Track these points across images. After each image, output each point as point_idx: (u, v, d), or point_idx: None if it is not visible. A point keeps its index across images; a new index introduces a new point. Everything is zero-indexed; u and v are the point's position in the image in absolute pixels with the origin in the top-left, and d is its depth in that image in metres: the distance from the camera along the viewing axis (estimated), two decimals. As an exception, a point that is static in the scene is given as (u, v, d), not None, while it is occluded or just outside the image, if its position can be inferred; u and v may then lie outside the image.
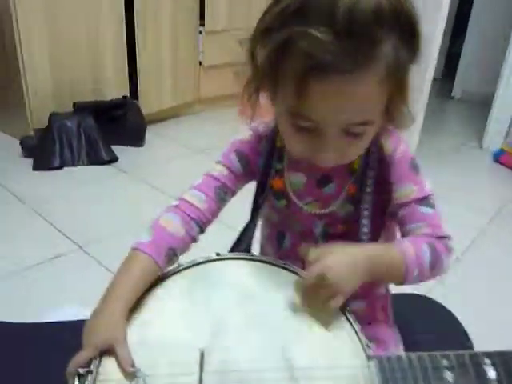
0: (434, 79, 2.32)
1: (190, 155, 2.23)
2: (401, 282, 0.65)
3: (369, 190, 0.68)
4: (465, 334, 0.90)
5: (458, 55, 3.79)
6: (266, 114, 0.68)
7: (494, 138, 2.58)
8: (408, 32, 0.53)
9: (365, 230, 0.68)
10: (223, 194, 0.73)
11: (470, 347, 0.87)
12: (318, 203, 0.71)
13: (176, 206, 0.71)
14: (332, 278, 0.57)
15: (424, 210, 0.67)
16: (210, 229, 0.75)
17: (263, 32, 0.56)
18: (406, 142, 0.69)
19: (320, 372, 0.56)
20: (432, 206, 0.68)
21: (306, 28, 0.50)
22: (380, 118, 0.59)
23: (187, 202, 0.71)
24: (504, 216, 1.87)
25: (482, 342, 1.05)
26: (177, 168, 2.08)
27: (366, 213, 0.68)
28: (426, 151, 2.46)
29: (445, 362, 0.58)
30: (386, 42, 0.51)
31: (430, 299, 1.08)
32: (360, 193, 0.68)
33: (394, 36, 0.52)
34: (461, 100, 3.76)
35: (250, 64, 0.60)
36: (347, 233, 0.70)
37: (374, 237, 0.69)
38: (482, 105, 2.85)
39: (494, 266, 1.51)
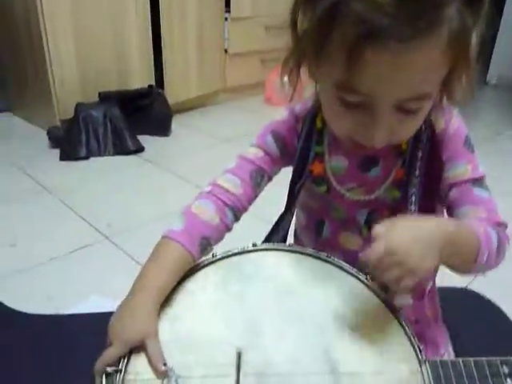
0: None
1: (216, 145, 2.19)
2: (470, 267, 0.57)
3: (417, 173, 0.61)
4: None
5: (493, 40, 3.64)
6: (302, 93, 0.62)
7: (533, 125, 2.46)
8: None
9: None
10: (259, 178, 0.68)
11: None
12: (362, 189, 0.65)
13: (209, 192, 0.66)
14: (401, 255, 0.47)
15: (479, 192, 0.61)
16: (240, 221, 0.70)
17: None
18: (459, 117, 0.63)
19: (368, 377, 0.52)
20: (487, 190, 0.62)
21: None
22: (437, 91, 0.52)
23: (221, 187, 0.66)
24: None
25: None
26: (203, 158, 2.05)
27: (413, 198, 0.62)
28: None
29: (505, 369, 0.52)
30: (451, 4, 0.45)
31: (474, 293, 1.01)
32: (409, 176, 0.62)
33: None
34: (496, 86, 3.62)
35: (291, 33, 0.54)
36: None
37: None
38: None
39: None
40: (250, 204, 0.69)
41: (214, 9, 2.55)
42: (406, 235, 0.49)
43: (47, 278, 1.22)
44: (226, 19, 2.61)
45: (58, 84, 2.08)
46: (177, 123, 2.35)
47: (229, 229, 0.67)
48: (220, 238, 0.66)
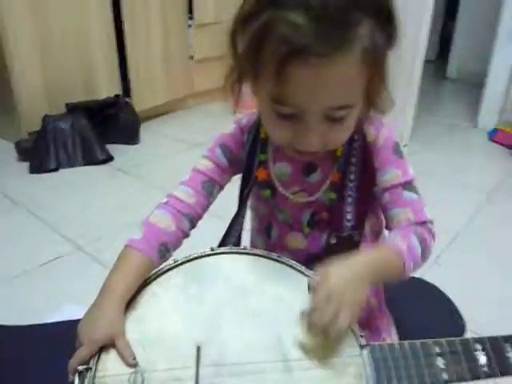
0: (429, 61, 2.33)
1: (186, 150, 2.23)
2: (400, 278, 0.65)
3: (352, 177, 0.68)
4: (458, 313, 0.90)
5: (452, 36, 3.78)
6: (251, 105, 0.68)
7: (487, 117, 2.58)
8: (384, 16, 0.54)
9: (348, 216, 0.69)
10: (211, 187, 0.74)
11: (463, 327, 0.88)
12: (305, 192, 0.71)
13: (166, 203, 0.72)
14: (337, 296, 0.55)
15: (408, 194, 0.68)
16: (203, 221, 0.76)
17: (242, 20, 0.57)
18: (389, 128, 0.70)
19: (314, 361, 0.58)
20: (416, 191, 0.69)
21: (283, 13, 0.51)
22: (360, 101, 0.59)
23: (176, 197, 0.72)
24: (500, 194, 1.87)
25: (477, 321, 1.07)
26: (173, 164, 2.08)
27: (349, 199, 0.68)
28: (422, 132, 2.46)
29: (437, 349, 0.59)
30: (362, 24, 0.52)
31: (422, 280, 1.09)
32: (343, 180, 0.69)
33: (370, 20, 0.52)
34: (456, 80, 3.75)
35: (231, 53, 0.61)
36: (331, 220, 0.71)
37: (359, 223, 0.70)
38: (477, 84, 2.84)
39: (491, 244, 1.51)
40: (204, 211, 0.75)
41: (178, 16, 2.59)
42: (338, 280, 0.56)
43: (21, 290, 1.25)
44: (190, 26, 2.65)
45: (24, 97, 2.09)
46: (145, 130, 2.39)
47: (186, 235, 0.73)
48: (178, 244, 0.72)
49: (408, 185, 0.68)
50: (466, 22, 3.63)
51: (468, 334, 0.90)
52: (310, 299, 0.58)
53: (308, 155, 0.63)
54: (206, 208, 0.75)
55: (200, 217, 0.75)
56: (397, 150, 0.69)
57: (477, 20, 3.48)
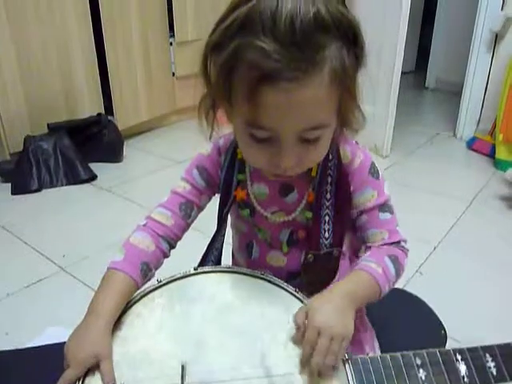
0: (408, 72, 2.37)
1: (170, 167, 2.24)
2: (378, 299, 0.67)
3: (328, 196, 0.69)
4: (439, 323, 0.92)
5: (430, 47, 3.86)
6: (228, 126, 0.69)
7: (466, 126, 2.63)
8: (350, 39, 0.55)
9: (326, 235, 0.70)
10: (189, 210, 0.75)
11: (444, 336, 0.89)
12: (283, 212, 0.72)
13: (144, 225, 0.73)
14: (327, 330, 0.58)
15: (383, 215, 0.70)
16: (188, 238, 0.77)
17: (213, 48, 0.58)
18: (363, 150, 0.71)
19: (297, 376, 0.58)
20: (390, 211, 0.71)
21: (251, 39, 0.52)
22: (334, 121, 0.60)
23: (155, 220, 0.73)
24: (480, 202, 1.91)
25: (458, 331, 1.09)
26: (157, 180, 2.08)
27: (326, 218, 0.70)
28: (402, 142, 2.51)
29: (418, 361, 0.60)
30: (329, 47, 0.53)
31: (403, 291, 1.10)
32: (319, 200, 0.70)
33: (337, 42, 0.54)
34: (435, 90, 3.83)
35: (203, 81, 0.62)
36: (309, 239, 0.72)
37: (337, 241, 0.71)
38: (456, 94, 2.90)
39: (472, 253, 1.54)
40: (183, 233, 0.76)
41: (159, 34, 2.61)
42: (323, 317, 0.59)
43: (4, 315, 1.24)
44: (171, 44, 2.68)
45: (5, 117, 2.07)
46: (129, 148, 2.39)
47: (166, 255, 0.74)
48: (159, 264, 0.73)
49: (384, 205, 0.70)
50: (442, 32, 3.71)
51: (449, 344, 0.91)
52: (296, 337, 0.61)
53: (284, 177, 0.64)
54: (184, 230, 0.76)
55: (179, 238, 0.75)
56: (372, 171, 0.70)
57: (453, 30, 3.56)
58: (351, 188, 0.70)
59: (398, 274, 0.69)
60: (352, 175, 0.69)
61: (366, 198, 0.70)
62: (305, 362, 0.59)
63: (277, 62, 0.51)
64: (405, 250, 0.71)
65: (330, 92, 0.55)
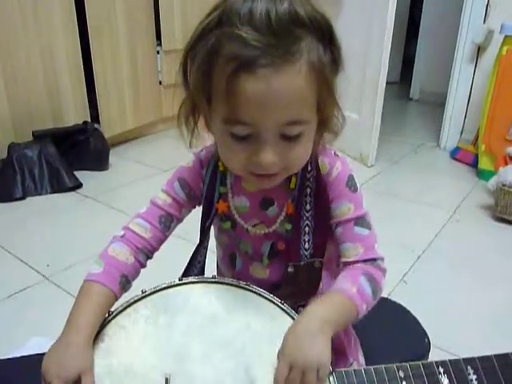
0: (393, 83, 2.40)
1: (156, 175, 2.23)
2: (356, 320, 0.65)
3: (308, 207, 0.69)
4: (423, 332, 0.93)
5: (414, 59, 3.93)
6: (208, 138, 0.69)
7: (450, 137, 2.67)
8: (325, 37, 0.57)
9: (306, 246, 0.70)
10: (168, 222, 0.74)
11: (428, 345, 0.90)
12: (264, 224, 0.72)
13: (122, 236, 0.72)
14: (302, 360, 0.56)
15: (360, 230, 0.68)
16: (173, 246, 0.76)
17: (191, 48, 0.58)
18: (343, 161, 0.70)
19: None
20: (368, 227, 0.69)
21: (230, 30, 0.53)
22: (314, 119, 0.60)
23: (133, 231, 0.73)
24: (464, 211, 1.93)
25: (442, 339, 1.10)
26: (142, 189, 2.07)
27: (306, 229, 0.70)
28: (387, 153, 2.54)
29: (401, 373, 0.60)
30: (306, 39, 0.54)
31: (387, 299, 1.11)
32: (298, 211, 0.69)
33: (313, 37, 0.55)
34: (419, 101, 3.89)
35: (183, 84, 0.62)
36: (289, 250, 0.71)
37: (318, 252, 0.71)
38: (440, 105, 2.94)
39: (457, 262, 1.56)
40: (160, 245, 0.75)
41: (146, 42, 2.61)
42: (295, 344, 0.58)
43: (-12, 324, 1.22)
44: (158, 52, 2.68)
45: (-11, 125, 2.06)
46: (115, 156, 2.38)
47: (143, 266, 0.74)
48: (137, 275, 0.73)
49: (360, 220, 0.69)
50: (426, 44, 3.79)
51: (433, 353, 0.92)
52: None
53: (267, 181, 0.62)
54: (162, 242, 0.75)
55: (156, 250, 0.75)
56: (350, 184, 0.69)
57: (437, 42, 3.63)
58: (330, 197, 0.69)
59: (375, 295, 0.66)
60: (330, 186, 0.69)
61: (343, 211, 0.69)
62: None
63: (254, 49, 0.52)
64: (381, 269, 0.69)
65: (308, 83, 0.55)
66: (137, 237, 0.72)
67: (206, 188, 0.73)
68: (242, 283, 0.69)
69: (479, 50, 2.48)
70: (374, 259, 0.68)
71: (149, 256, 0.74)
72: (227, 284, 0.70)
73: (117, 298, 0.68)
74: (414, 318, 0.97)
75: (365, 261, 0.68)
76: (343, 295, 0.63)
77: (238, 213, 0.72)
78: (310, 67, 0.55)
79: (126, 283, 0.69)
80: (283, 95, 0.54)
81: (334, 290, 0.65)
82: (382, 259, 0.69)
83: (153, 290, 0.69)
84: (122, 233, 0.73)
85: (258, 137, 0.57)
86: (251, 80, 0.53)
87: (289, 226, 0.70)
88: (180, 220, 0.76)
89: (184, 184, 0.74)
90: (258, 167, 0.59)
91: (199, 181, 0.74)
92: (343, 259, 0.69)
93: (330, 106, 0.61)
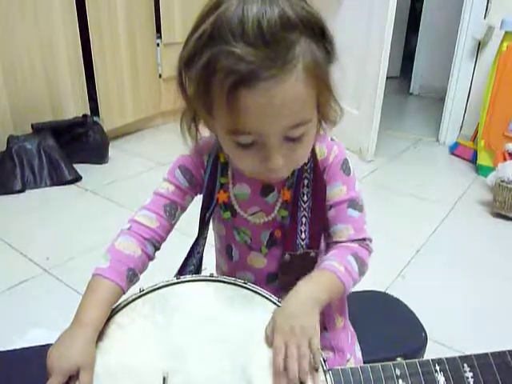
0: (393, 77, 2.40)
1: (154, 168, 2.23)
2: (344, 295, 0.69)
3: (305, 198, 0.70)
4: (420, 327, 0.93)
5: (414, 53, 3.92)
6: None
7: (449, 132, 2.68)
8: (318, 33, 0.57)
9: (302, 236, 0.71)
10: (173, 210, 0.74)
11: (425, 340, 0.91)
12: (263, 212, 0.73)
13: (129, 229, 0.73)
14: (295, 336, 0.58)
15: (351, 212, 0.71)
16: (173, 240, 0.77)
17: (187, 61, 0.58)
18: (339, 145, 0.72)
19: None
20: (359, 209, 0.71)
21: (223, 47, 0.53)
22: (315, 116, 0.61)
23: (139, 223, 0.73)
24: (462, 206, 1.94)
25: (439, 333, 1.11)
26: (141, 182, 2.08)
27: (303, 219, 0.71)
28: (386, 147, 2.54)
29: (397, 371, 0.61)
30: (299, 43, 0.54)
31: (385, 294, 1.12)
32: (295, 200, 0.70)
33: (306, 38, 0.55)
34: (419, 96, 3.88)
35: (181, 96, 0.62)
36: (286, 238, 0.72)
37: (314, 242, 0.72)
38: (439, 100, 2.94)
39: (454, 257, 1.57)
40: (167, 234, 0.75)
41: (146, 35, 2.61)
42: (288, 322, 0.60)
43: (-12, 316, 1.23)
44: (158, 45, 2.67)
45: (-12, 118, 2.06)
46: (114, 149, 2.38)
47: (151, 258, 0.74)
48: (144, 268, 0.73)
49: (352, 202, 0.71)
50: (427, 39, 3.78)
51: (430, 347, 0.93)
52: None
53: (275, 177, 0.64)
54: (169, 231, 0.75)
55: (164, 240, 0.75)
56: (344, 167, 0.71)
57: (438, 38, 3.63)
58: (325, 182, 0.70)
59: (362, 272, 0.70)
60: (327, 169, 0.70)
61: (335, 192, 0.70)
62: (280, 373, 0.58)
63: (251, 63, 0.52)
64: (369, 248, 0.72)
65: (307, 86, 0.56)
66: (143, 227, 0.72)
67: (207, 179, 0.74)
68: (240, 281, 0.69)
69: (479, 45, 2.48)
70: (363, 239, 0.71)
71: (157, 247, 0.74)
72: (225, 282, 0.70)
73: (124, 292, 0.68)
74: (412, 312, 0.97)
75: (353, 240, 0.71)
76: (331, 273, 0.66)
77: (238, 201, 0.73)
78: (306, 70, 0.55)
79: (133, 277, 0.69)
80: (285, 104, 0.55)
81: (322, 268, 0.67)
82: (370, 240, 0.73)
83: (151, 289, 0.69)
84: (129, 225, 0.73)
85: (263, 143, 0.58)
86: (252, 94, 0.53)
87: (285, 213, 0.71)
88: (184, 208, 0.76)
89: (185, 170, 0.74)
90: (269, 173, 0.61)
91: (200, 169, 0.74)
92: (334, 239, 0.72)
93: (328, 101, 0.62)
